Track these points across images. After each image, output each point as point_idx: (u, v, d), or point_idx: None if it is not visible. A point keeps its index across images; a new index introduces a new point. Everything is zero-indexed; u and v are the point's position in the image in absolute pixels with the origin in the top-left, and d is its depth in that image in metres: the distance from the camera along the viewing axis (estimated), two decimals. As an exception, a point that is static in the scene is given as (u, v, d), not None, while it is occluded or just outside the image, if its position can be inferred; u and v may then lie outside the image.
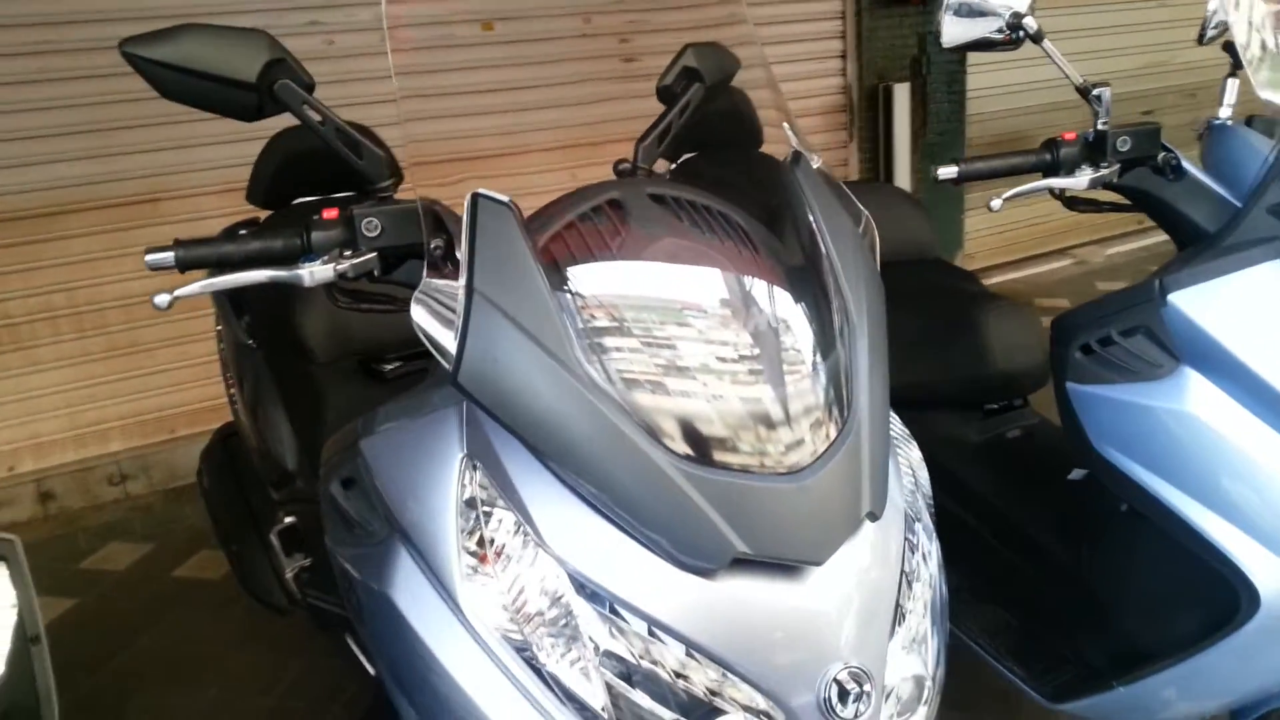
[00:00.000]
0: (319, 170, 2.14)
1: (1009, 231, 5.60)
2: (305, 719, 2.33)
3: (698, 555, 0.92)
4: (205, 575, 2.98)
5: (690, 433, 0.96)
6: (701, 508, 0.92)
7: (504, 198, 1.01)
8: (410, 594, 1.07)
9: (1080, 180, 1.51)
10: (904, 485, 1.11)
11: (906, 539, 1.06)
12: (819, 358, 1.04)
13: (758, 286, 1.06)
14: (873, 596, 0.99)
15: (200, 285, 1.14)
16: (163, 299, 1.14)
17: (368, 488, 1.14)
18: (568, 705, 0.97)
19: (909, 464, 1.18)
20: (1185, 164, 1.51)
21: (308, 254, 1.16)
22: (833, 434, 0.99)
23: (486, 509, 1.01)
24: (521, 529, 0.98)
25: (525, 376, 0.95)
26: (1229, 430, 1.39)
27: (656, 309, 1.02)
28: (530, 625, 0.98)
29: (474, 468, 1.03)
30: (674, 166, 2.65)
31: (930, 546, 1.11)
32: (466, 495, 1.03)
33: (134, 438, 3.55)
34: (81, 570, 3.11)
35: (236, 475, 2.38)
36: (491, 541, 1.00)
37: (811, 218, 1.10)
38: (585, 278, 1.02)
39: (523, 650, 0.99)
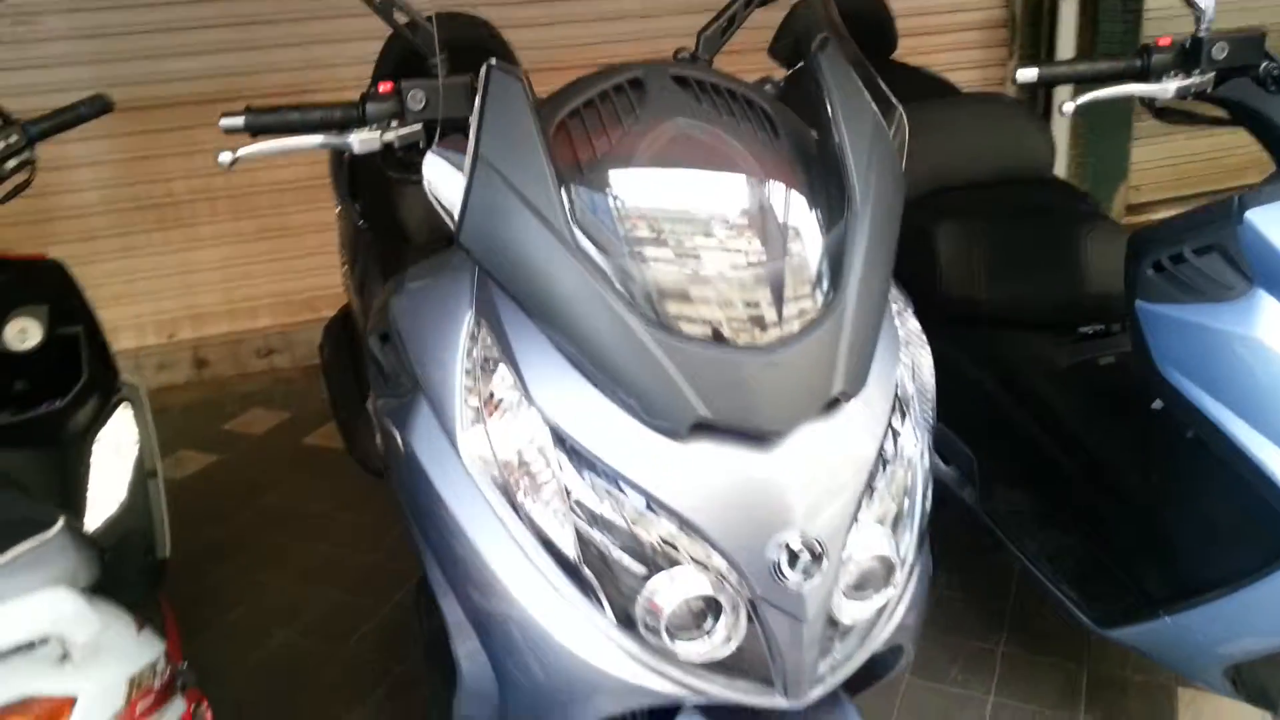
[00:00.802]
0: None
1: (1182, 164, 5.23)
2: (403, 575, 2.51)
3: (663, 416, 0.96)
4: (331, 444, 3.20)
5: (670, 303, 1.00)
6: (669, 372, 0.95)
7: (517, 70, 1.05)
8: (427, 441, 1.15)
9: (1167, 87, 1.42)
10: (897, 374, 1.11)
11: (891, 424, 1.06)
12: (812, 242, 1.05)
13: (763, 170, 1.07)
14: (839, 473, 1.01)
15: (260, 147, 1.24)
16: (226, 157, 1.24)
17: (396, 343, 1.22)
18: (544, 549, 1.04)
19: (910, 357, 1.17)
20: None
21: (362, 124, 1.24)
22: (812, 316, 1.00)
23: (489, 364, 1.08)
24: (517, 386, 1.04)
25: (520, 240, 1.00)
26: (1299, 354, 1.31)
27: (655, 187, 1.04)
28: (515, 472, 1.04)
29: (480, 325, 1.09)
30: (789, 74, 2.61)
31: (918, 435, 1.11)
32: (472, 351, 1.09)
33: (281, 315, 3.81)
34: (225, 431, 3.40)
35: (351, 351, 2.54)
36: (491, 395, 1.07)
37: (828, 103, 1.10)
38: (588, 153, 1.06)
39: (508, 494, 1.05)
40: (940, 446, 2.17)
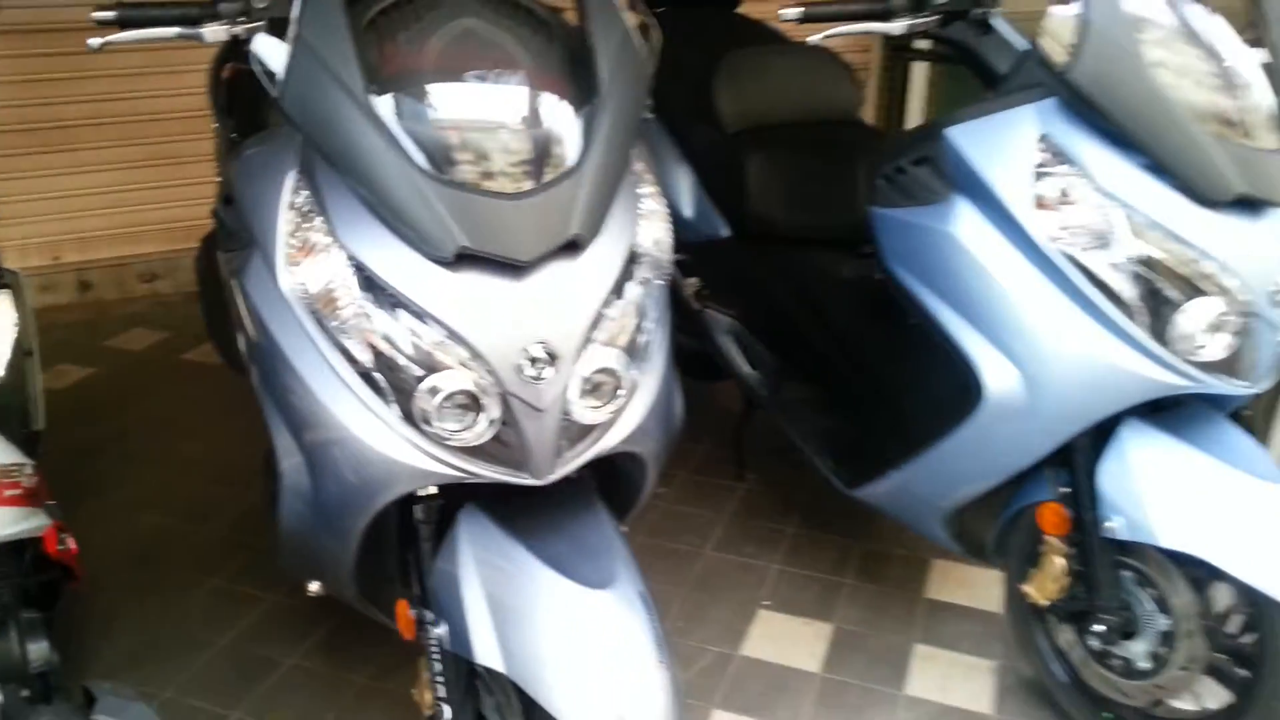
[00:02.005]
0: None
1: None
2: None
3: (433, 245, 1.22)
4: (209, 360, 3.36)
5: (446, 159, 1.26)
6: (439, 210, 1.21)
7: None
8: (258, 282, 1.40)
9: (897, 26, 1.73)
10: (633, 235, 1.38)
11: (624, 271, 1.34)
12: (565, 118, 1.32)
13: (531, 59, 1.34)
14: (575, 301, 1.27)
15: (124, 35, 1.47)
16: (95, 41, 1.47)
17: (237, 201, 1.46)
18: (346, 361, 1.30)
19: (654, 235, 1.43)
20: (995, 20, 1.71)
21: (215, 19, 1.48)
22: (556, 174, 1.28)
23: (307, 213, 1.33)
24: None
25: (327, 107, 1.25)
26: (980, 250, 1.63)
27: (443, 69, 1.30)
28: (325, 301, 1.30)
29: (300, 181, 1.34)
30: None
31: (653, 282, 1.39)
32: (294, 203, 1.34)
33: (165, 242, 3.95)
34: (105, 346, 3.56)
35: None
36: (307, 239, 1.32)
37: (582, 11, 1.36)
38: (391, 43, 1.31)
39: (319, 319, 1.31)
40: (747, 353, 2.49)
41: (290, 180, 1.36)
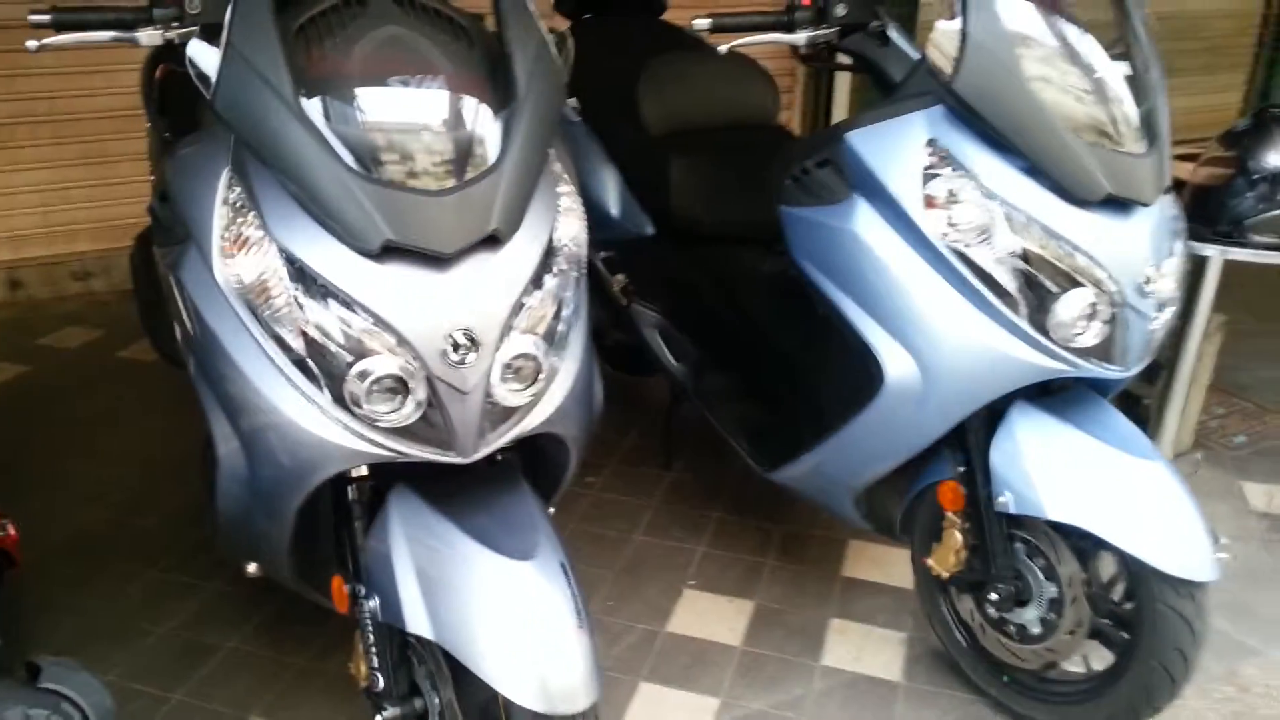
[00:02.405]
0: None
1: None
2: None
3: (361, 239, 1.31)
4: (144, 358, 3.40)
5: (372, 158, 1.34)
6: (365, 206, 1.30)
7: None
8: (194, 276, 1.47)
9: (799, 37, 1.85)
10: (551, 231, 1.47)
11: (542, 264, 1.44)
12: (486, 121, 1.41)
13: (453, 67, 1.43)
14: (496, 291, 1.36)
15: (61, 39, 1.53)
16: (32, 44, 1.53)
17: (172, 198, 1.53)
18: (280, 349, 1.38)
19: (570, 230, 1.52)
20: (891, 32, 1.84)
21: (149, 24, 1.54)
22: (477, 173, 1.37)
23: (241, 208, 1.40)
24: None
25: (258, 108, 1.33)
26: (878, 246, 1.75)
27: (369, 74, 1.39)
28: (259, 291, 1.37)
29: (233, 178, 1.41)
30: (569, 26, 2.99)
31: (570, 275, 1.49)
32: (227, 197, 1.42)
33: (100, 240, 3.95)
34: (37, 345, 3.56)
35: None
36: (240, 233, 1.39)
37: (500, 22, 1.45)
38: (318, 48, 1.39)
39: (254, 310, 1.38)
40: (672, 347, 2.60)
41: (224, 178, 1.43)
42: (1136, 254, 1.65)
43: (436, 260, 1.34)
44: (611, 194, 2.70)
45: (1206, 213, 2.32)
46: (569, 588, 1.44)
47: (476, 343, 1.35)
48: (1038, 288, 1.65)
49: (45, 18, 1.52)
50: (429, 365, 1.34)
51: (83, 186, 3.90)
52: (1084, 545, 1.81)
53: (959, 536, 1.89)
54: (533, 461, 1.67)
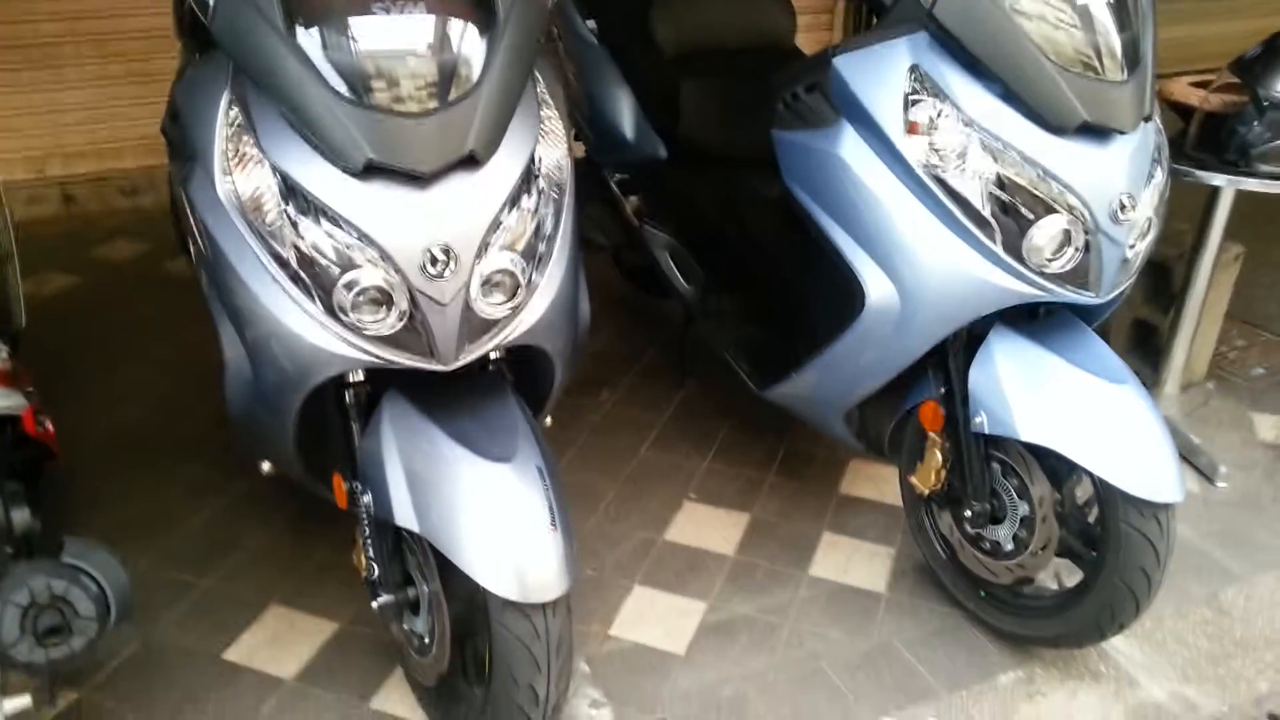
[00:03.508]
0: None
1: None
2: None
3: (344, 158, 1.39)
4: (189, 271, 3.55)
5: (364, 85, 1.42)
6: (349, 128, 1.38)
7: None
8: (199, 190, 1.56)
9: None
10: (531, 153, 1.54)
11: (521, 185, 1.51)
12: (468, 47, 1.48)
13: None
14: (473, 209, 1.45)
15: None
16: None
17: (180, 117, 1.62)
18: (275, 261, 1.48)
19: (551, 154, 1.57)
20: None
21: None
22: (455, 97, 1.44)
23: (237, 127, 1.49)
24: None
25: (252, 34, 1.41)
26: (862, 171, 1.79)
27: (360, 5, 1.46)
28: (255, 207, 1.47)
29: (232, 99, 1.50)
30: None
31: (550, 196, 1.56)
32: (227, 118, 1.51)
33: (146, 157, 4.08)
34: (89, 257, 3.72)
35: None
36: (238, 151, 1.49)
37: None
38: None
39: (251, 224, 1.48)
40: (682, 267, 2.67)
41: (224, 99, 1.52)
42: (1111, 181, 1.67)
43: (417, 179, 1.42)
44: (626, 117, 2.75)
45: (1217, 141, 2.30)
46: (543, 489, 1.54)
47: (454, 257, 1.43)
48: (1013, 213, 1.69)
49: None
50: (409, 278, 1.43)
51: (128, 104, 4.01)
52: (1058, 466, 1.86)
53: (939, 455, 1.96)
54: (525, 374, 1.76)
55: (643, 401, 2.87)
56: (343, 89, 1.41)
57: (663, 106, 2.62)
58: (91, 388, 2.88)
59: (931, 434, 1.96)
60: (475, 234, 1.46)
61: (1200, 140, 2.35)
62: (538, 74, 1.63)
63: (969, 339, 1.88)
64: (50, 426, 2.01)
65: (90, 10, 3.82)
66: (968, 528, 2.00)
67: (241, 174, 1.48)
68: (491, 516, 1.50)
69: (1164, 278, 2.80)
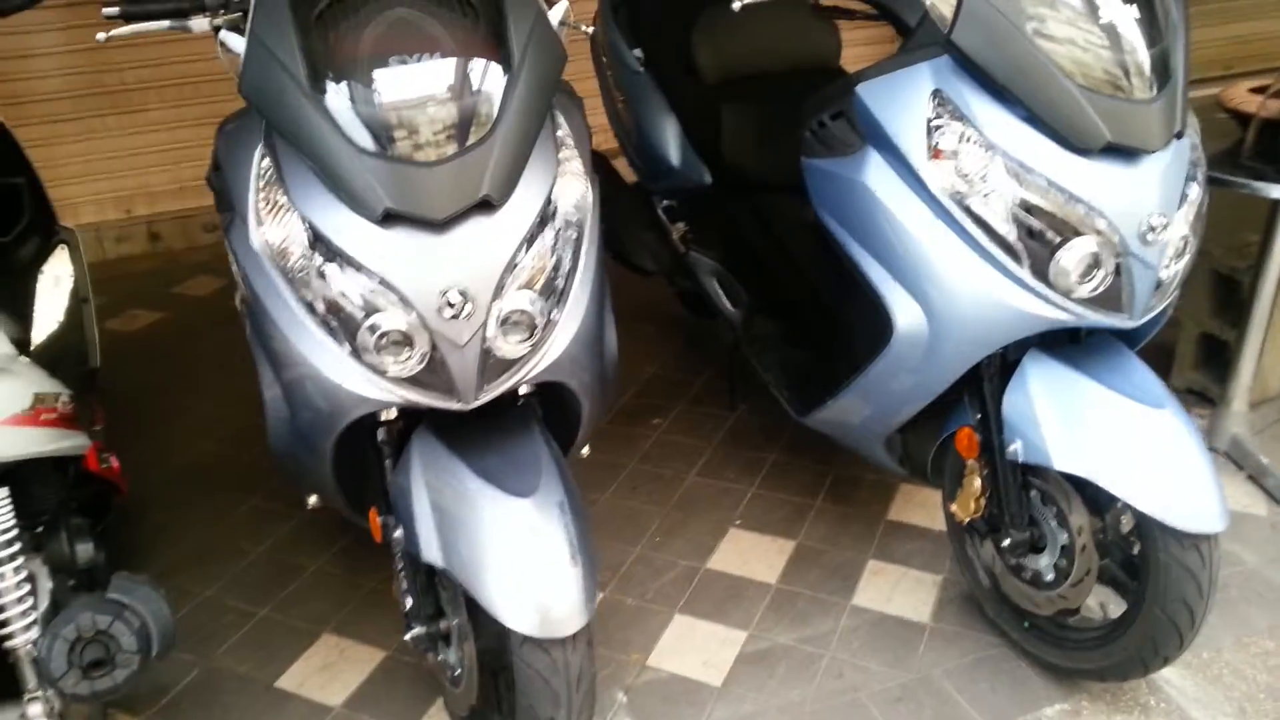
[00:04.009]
0: None
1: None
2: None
3: (364, 206, 1.44)
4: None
5: (387, 135, 1.47)
6: (369, 178, 1.43)
7: None
8: (240, 239, 1.64)
9: (815, -12, 1.87)
10: (549, 194, 1.56)
11: (539, 225, 1.54)
12: (485, 92, 1.52)
13: (454, 43, 1.54)
14: (490, 253, 1.48)
15: (125, 29, 1.71)
16: (101, 36, 1.72)
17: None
18: (304, 307, 1.54)
19: (570, 193, 1.60)
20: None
21: (201, 11, 1.71)
22: (471, 142, 1.48)
23: (269, 178, 1.56)
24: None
25: (277, 91, 1.47)
26: (888, 198, 1.78)
27: (378, 56, 1.51)
28: (285, 254, 1.54)
29: (264, 152, 1.57)
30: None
31: (568, 235, 1.59)
32: (260, 170, 1.58)
33: (225, 195, 4.27)
34: (172, 293, 3.91)
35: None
36: (271, 201, 1.56)
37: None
38: (334, 32, 1.52)
39: (282, 270, 1.55)
40: (729, 292, 2.67)
41: (258, 151, 1.59)
42: (1140, 202, 1.63)
43: (433, 225, 1.46)
44: (672, 144, 2.78)
45: (1275, 149, 2.22)
46: (566, 524, 1.56)
47: (470, 299, 1.48)
48: (1040, 238, 1.66)
49: (114, 10, 1.70)
50: (427, 321, 1.48)
51: (207, 144, 4.18)
52: (1098, 494, 1.81)
53: (978, 483, 1.92)
54: (557, 409, 1.79)
55: (693, 427, 2.88)
56: (365, 139, 1.47)
57: (705, 133, 2.64)
58: (171, 420, 3.02)
59: (969, 461, 1.93)
60: (491, 276, 1.49)
61: (1257, 149, 2.26)
62: (557, 112, 1.67)
63: (1004, 364, 1.85)
64: (115, 463, 2.12)
65: (169, 58, 4.03)
66: (1008, 557, 1.96)
67: (273, 223, 1.55)
68: (512, 551, 1.53)
69: (1232, 290, 2.71)
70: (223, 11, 1.70)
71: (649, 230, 2.88)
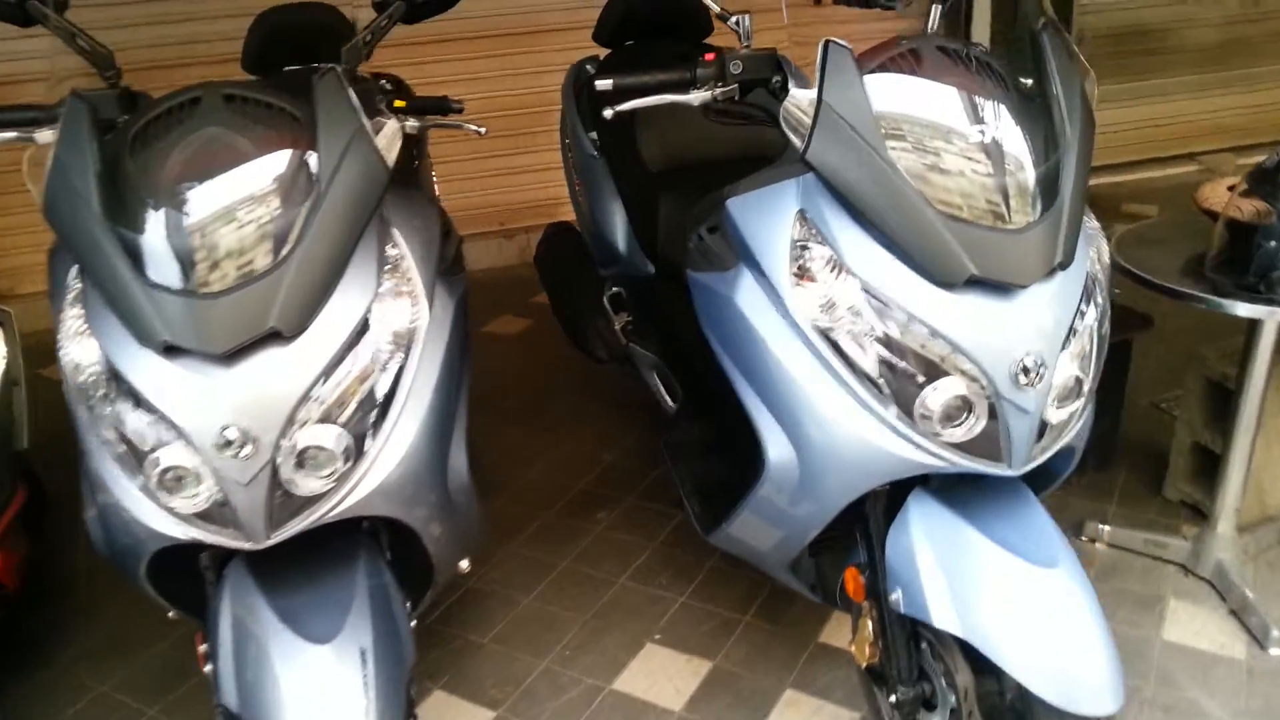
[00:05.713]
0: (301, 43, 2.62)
1: (1131, 130, 5.42)
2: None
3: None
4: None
5: (182, 260, 1.41)
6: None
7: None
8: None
9: (698, 96, 1.75)
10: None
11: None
12: (278, 214, 1.43)
13: (262, 158, 1.47)
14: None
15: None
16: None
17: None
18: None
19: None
20: (792, 87, 1.70)
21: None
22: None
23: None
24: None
25: (72, 215, 1.42)
26: (758, 322, 1.63)
27: (183, 176, 1.45)
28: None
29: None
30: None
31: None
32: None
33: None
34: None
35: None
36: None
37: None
38: (150, 147, 1.47)
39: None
40: (667, 387, 2.54)
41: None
42: (1012, 341, 1.45)
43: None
44: (619, 231, 2.68)
45: (1243, 257, 2.00)
46: (366, 675, 1.46)
47: (252, 439, 1.39)
48: (903, 376, 1.50)
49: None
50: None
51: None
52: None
53: (870, 626, 1.76)
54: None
55: (637, 525, 2.75)
56: (171, 268, 1.40)
57: (646, 222, 2.53)
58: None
59: (859, 603, 1.76)
60: (277, 411, 1.41)
61: (1220, 256, 2.04)
62: (392, 227, 1.59)
63: (892, 501, 1.68)
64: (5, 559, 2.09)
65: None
66: (899, 714, 1.77)
67: (75, 345, 1.49)
68: (305, 703, 1.43)
69: (1226, 398, 2.46)
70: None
71: (600, 317, 2.78)
